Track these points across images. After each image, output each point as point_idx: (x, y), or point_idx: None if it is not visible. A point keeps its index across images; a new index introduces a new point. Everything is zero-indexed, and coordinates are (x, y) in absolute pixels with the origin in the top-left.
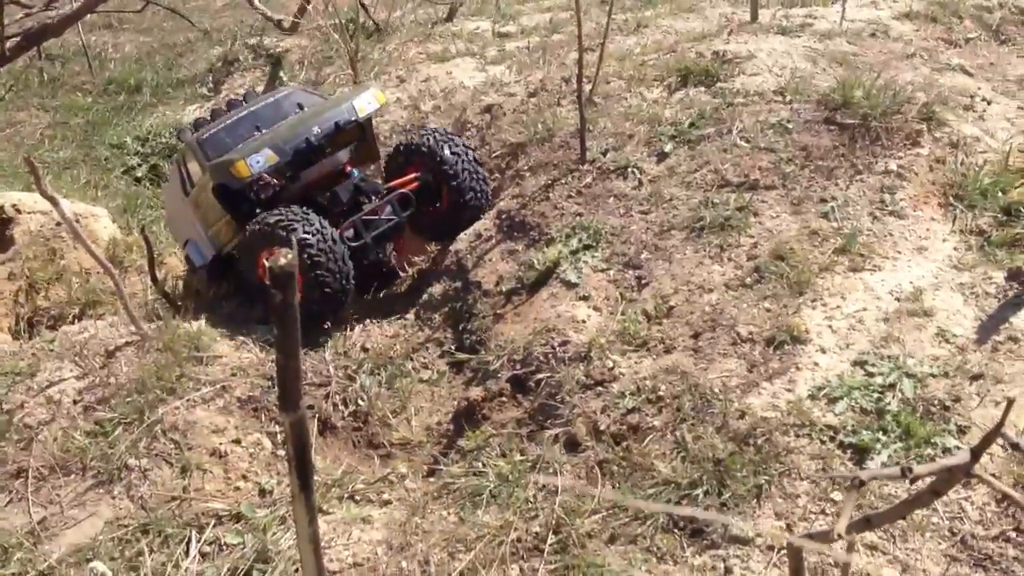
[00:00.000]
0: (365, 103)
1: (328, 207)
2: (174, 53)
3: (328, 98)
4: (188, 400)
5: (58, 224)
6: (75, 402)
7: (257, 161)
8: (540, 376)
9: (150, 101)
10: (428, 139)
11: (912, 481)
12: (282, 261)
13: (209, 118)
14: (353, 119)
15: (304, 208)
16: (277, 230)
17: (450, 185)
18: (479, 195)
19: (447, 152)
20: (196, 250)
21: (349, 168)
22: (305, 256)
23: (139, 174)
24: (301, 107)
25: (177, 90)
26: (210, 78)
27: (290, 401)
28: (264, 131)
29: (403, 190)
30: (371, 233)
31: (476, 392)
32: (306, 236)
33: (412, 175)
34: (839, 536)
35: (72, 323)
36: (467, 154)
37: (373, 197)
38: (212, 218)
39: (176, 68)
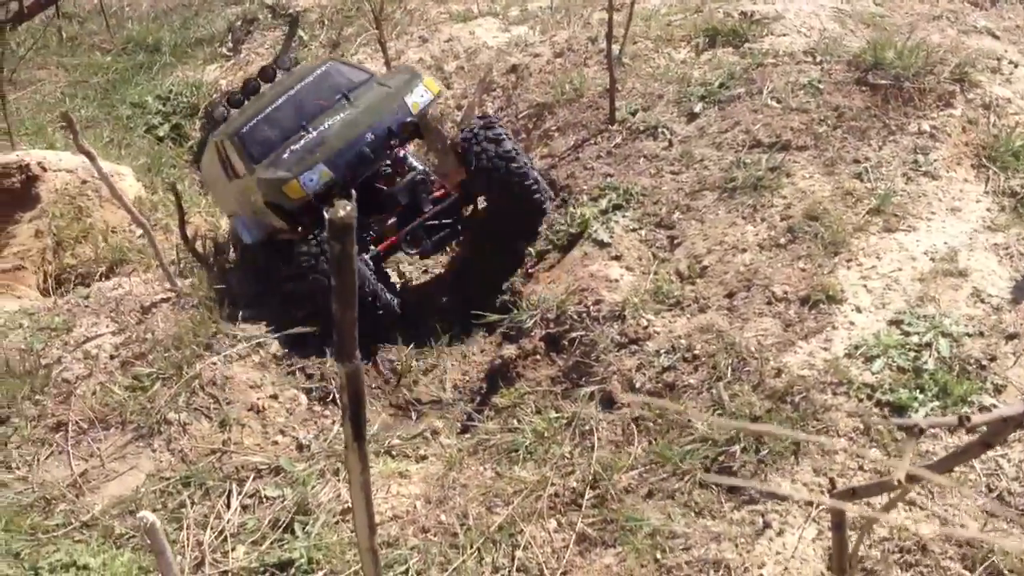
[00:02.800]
0: (418, 97)
1: (385, 204)
2: (191, 12)
3: (371, 76)
4: (225, 356)
5: (84, 182)
6: (112, 357)
7: (311, 179)
8: (574, 335)
9: (169, 60)
10: (462, 143)
11: (968, 430)
12: (341, 213)
13: (240, 92)
14: (408, 119)
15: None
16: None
17: (495, 190)
18: (532, 194)
19: (482, 159)
20: (244, 227)
21: (406, 162)
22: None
23: (161, 133)
24: (346, 96)
25: (196, 49)
26: (229, 37)
27: (346, 351)
28: (310, 130)
29: (455, 194)
30: (431, 240)
31: (510, 350)
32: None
33: (458, 180)
34: (899, 482)
35: (100, 280)
36: (504, 154)
37: (431, 192)
38: (261, 209)
39: (194, 27)
